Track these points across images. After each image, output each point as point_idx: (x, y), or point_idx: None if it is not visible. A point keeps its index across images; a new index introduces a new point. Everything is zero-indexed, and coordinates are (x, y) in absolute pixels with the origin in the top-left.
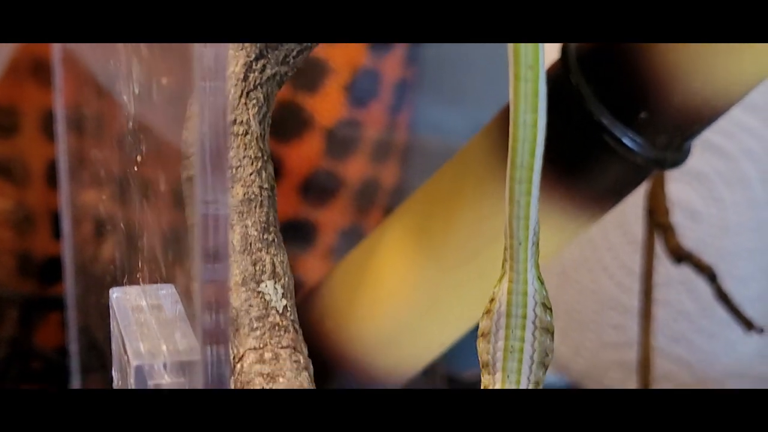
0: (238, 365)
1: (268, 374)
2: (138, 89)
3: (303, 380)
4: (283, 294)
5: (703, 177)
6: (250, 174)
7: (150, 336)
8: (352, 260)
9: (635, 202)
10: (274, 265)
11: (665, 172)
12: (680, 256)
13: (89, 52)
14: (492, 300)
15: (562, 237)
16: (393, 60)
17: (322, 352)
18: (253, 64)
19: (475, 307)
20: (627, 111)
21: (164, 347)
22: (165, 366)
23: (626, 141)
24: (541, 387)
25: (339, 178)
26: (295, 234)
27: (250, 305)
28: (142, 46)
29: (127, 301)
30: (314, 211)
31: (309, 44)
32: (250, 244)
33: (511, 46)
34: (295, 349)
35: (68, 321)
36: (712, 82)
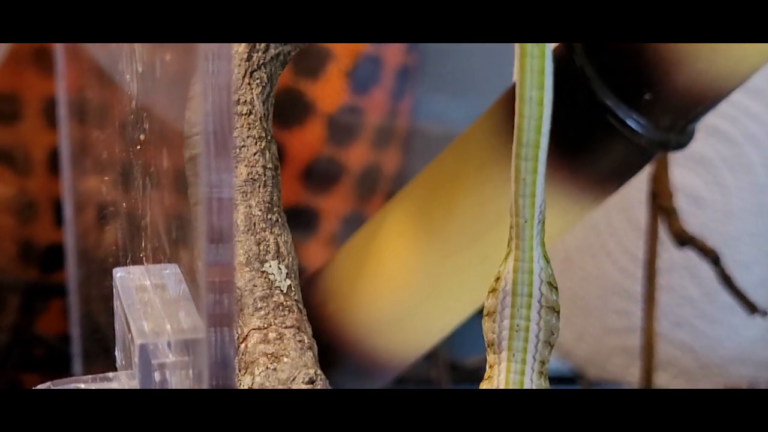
0: (242, 345)
1: (272, 354)
2: (141, 68)
3: (307, 360)
4: (287, 274)
5: (707, 162)
6: (254, 154)
7: (154, 315)
8: (354, 244)
9: (638, 187)
10: (278, 245)
11: (669, 156)
12: (684, 239)
13: None
14: (497, 278)
15: (566, 220)
16: (395, 46)
17: (324, 336)
18: (257, 43)
19: (477, 291)
20: (631, 92)
21: (168, 326)
22: (169, 345)
23: (630, 123)
24: (546, 366)
25: (341, 165)
26: (297, 221)
27: (254, 285)
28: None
29: (130, 281)
30: (316, 198)
31: None
32: (254, 224)
33: None
34: (299, 329)
35: (70, 306)
36: (716, 64)
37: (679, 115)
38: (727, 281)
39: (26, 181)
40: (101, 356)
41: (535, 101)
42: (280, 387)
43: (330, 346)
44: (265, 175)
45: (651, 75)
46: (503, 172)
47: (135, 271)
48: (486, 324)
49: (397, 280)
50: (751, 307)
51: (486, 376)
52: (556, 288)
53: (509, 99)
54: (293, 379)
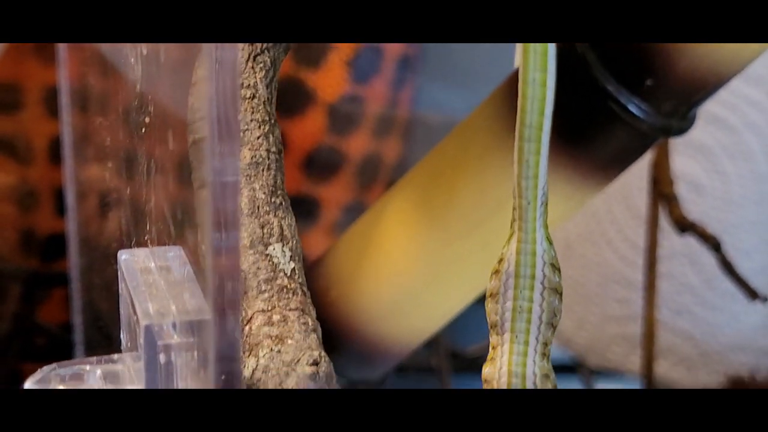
0: (247, 327)
1: (276, 336)
2: (146, 50)
3: (311, 342)
4: (291, 257)
5: (707, 150)
6: (258, 137)
7: (159, 297)
8: (356, 231)
9: (639, 175)
10: (281, 228)
11: (669, 143)
12: (684, 225)
13: None
14: (500, 260)
15: (567, 206)
16: None
17: (326, 322)
18: None
19: (478, 277)
20: (633, 78)
21: (173, 307)
22: (174, 326)
23: (632, 108)
24: (549, 348)
25: (342, 154)
26: (297, 210)
27: (258, 268)
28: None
29: (135, 263)
30: (317, 187)
31: None
32: (258, 207)
33: None
34: (303, 311)
35: (72, 294)
36: (717, 49)
37: (680, 101)
38: (727, 267)
39: (27, 170)
40: (103, 344)
41: (539, 83)
42: (285, 369)
43: (332, 333)
44: (268, 158)
45: (652, 61)
46: (504, 159)
47: (139, 253)
48: (489, 305)
49: (398, 266)
50: (752, 294)
51: (489, 357)
52: (559, 270)
53: (510, 86)
54: (297, 361)
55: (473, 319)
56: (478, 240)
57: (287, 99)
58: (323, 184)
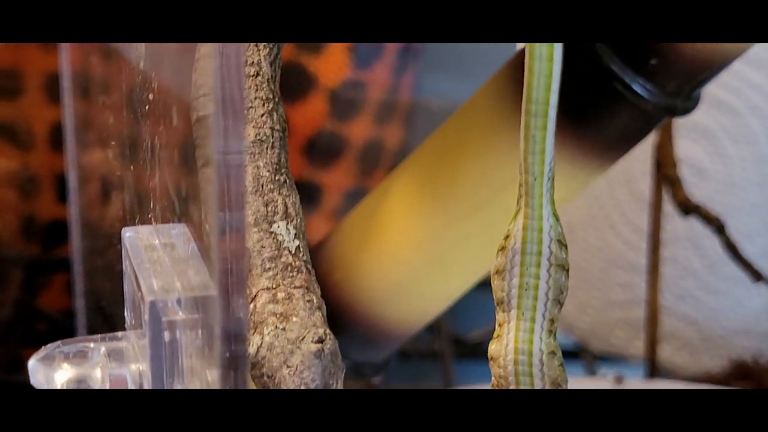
0: (251, 305)
1: (281, 314)
2: None
3: (316, 320)
4: (295, 235)
5: (710, 133)
6: (262, 115)
7: (163, 273)
8: (359, 212)
9: (642, 159)
10: (286, 206)
11: (673, 125)
12: (688, 208)
13: None
14: (507, 236)
15: (571, 186)
16: None
17: (330, 305)
18: None
19: (482, 258)
20: (637, 57)
21: (178, 284)
22: (179, 302)
23: (636, 88)
24: (555, 325)
25: (343, 139)
26: (299, 196)
27: (263, 246)
28: None
29: (139, 240)
30: (318, 173)
31: None
32: (262, 185)
33: None
34: (308, 289)
35: (74, 279)
36: None
37: (685, 81)
38: (731, 249)
39: (28, 157)
40: (105, 330)
41: (545, 57)
42: (289, 346)
43: (335, 315)
44: (272, 136)
45: None
46: (508, 139)
47: (143, 230)
48: (495, 282)
49: (401, 248)
50: (756, 275)
51: (495, 334)
52: (566, 246)
53: (514, 66)
54: (302, 339)
55: (476, 304)
56: (481, 221)
57: (288, 84)
58: (324, 169)
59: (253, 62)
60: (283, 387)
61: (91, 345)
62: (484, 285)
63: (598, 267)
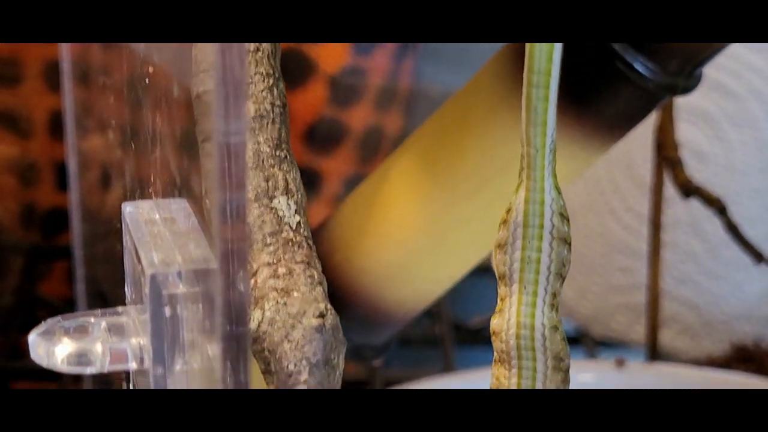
0: (252, 281)
1: (282, 289)
2: None
3: (317, 294)
4: (296, 210)
5: (710, 117)
6: (262, 91)
7: (164, 247)
8: (360, 194)
9: (643, 144)
10: (286, 181)
11: (674, 107)
12: (689, 189)
13: None
14: (509, 210)
15: (572, 166)
16: None
17: (331, 286)
18: None
19: (483, 239)
20: None
21: (179, 257)
22: (180, 275)
23: (638, 66)
24: (557, 299)
25: (343, 126)
26: None
27: (263, 221)
28: None
29: (139, 215)
30: (318, 159)
31: None
32: (263, 160)
33: None
34: (309, 264)
35: (75, 265)
36: None
37: (686, 59)
38: (733, 230)
39: (28, 144)
40: None
41: None
42: (291, 321)
43: (336, 296)
44: (273, 112)
45: None
46: (509, 119)
47: (144, 205)
48: (497, 256)
49: (402, 230)
50: (758, 256)
51: (497, 309)
52: (568, 219)
53: (514, 46)
54: (304, 313)
55: (476, 290)
56: (482, 202)
57: (288, 70)
58: (324, 156)
59: None
60: (284, 362)
61: (92, 320)
62: (485, 271)
63: (598, 252)
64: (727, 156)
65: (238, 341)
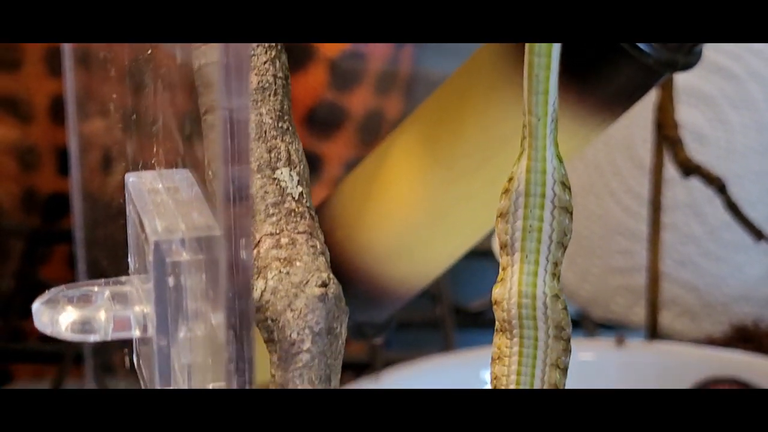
0: (255, 251)
1: (284, 259)
2: None
3: (320, 264)
4: (298, 181)
5: (710, 99)
6: (264, 63)
7: (167, 215)
8: (361, 171)
9: (643, 125)
10: (289, 152)
11: (674, 86)
12: (689, 168)
13: None
14: (510, 179)
15: (572, 143)
16: None
17: (332, 263)
18: None
19: (484, 216)
20: None
21: (182, 225)
22: (183, 242)
23: (638, 43)
24: (559, 268)
25: (343, 110)
26: None
27: (266, 192)
28: None
29: (143, 185)
30: (319, 143)
31: None
32: (265, 131)
33: None
34: (311, 234)
35: (76, 247)
36: None
37: None
38: (733, 209)
39: (29, 129)
40: None
41: None
42: (293, 290)
43: (337, 273)
44: (275, 83)
45: None
46: (510, 95)
47: (147, 176)
48: (499, 226)
49: (404, 206)
50: (758, 234)
51: (499, 278)
52: (569, 188)
53: None
54: (306, 283)
55: (477, 273)
56: (483, 178)
57: (288, 54)
58: (325, 140)
59: None
60: (287, 331)
61: (95, 289)
62: (485, 254)
63: (598, 234)
64: (727, 138)
65: (242, 309)
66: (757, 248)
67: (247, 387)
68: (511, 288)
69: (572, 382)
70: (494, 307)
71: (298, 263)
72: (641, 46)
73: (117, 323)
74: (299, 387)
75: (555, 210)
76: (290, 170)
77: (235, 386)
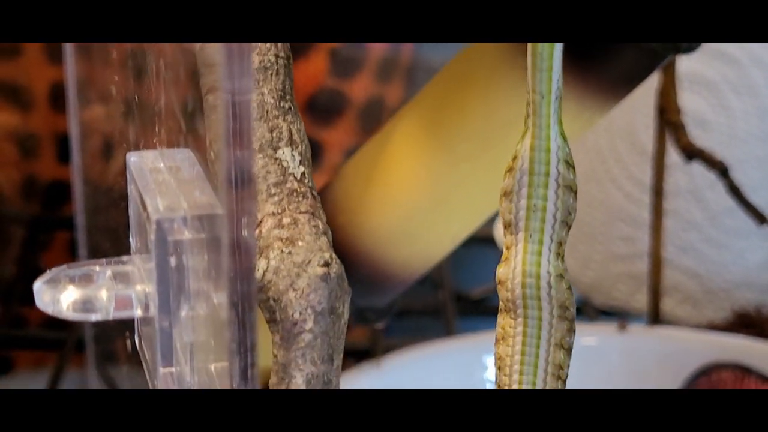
0: (257, 230)
1: (286, 238)
2: None
3: (322, 244)
4: (300, 161)
5: (712, 85)
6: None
7: (169, 194)
8: (363, 155)
9: (644, 112)
10: (291, 132)
11: (676, 71)
12: (691, 152)
13: None
14: (515, 158)
15: (575, 126)
16: None
17: (334, 247)
18: None
19: (486, 199)
20: None
21: (184, 203)
22: (185, 221)
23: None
24: (563, 247)
25: (344, 97)
26: None
27: (268, 171)
28: None
29: (144, 164)
30: (319, 130)
31: None
32: (267, 111)
33: None
34: (313, 214)
35: (77, 232)
36: None
37: None
38: (735, 192)
39: (29, 116)
40: None
41: None
42: (296, 269)
43: (339, 258)
44: (277, 63)
45: None
46: (513, 78)
47: (148, 155)
48: (503, 204)
49: (406, 190)
50: (760, 218)
51: (503, 258)
52: (573, 167)
53: None
54: (308, 262)
55: (478, 260)
56: (486, 161)
57: None
58: (326, 127)
59: None
60: (289, 310)
61: (97, 268)
62: (486, 241)
63: (599, 221)
64: (729, 124)
65: (245, 288)
66: (758, 234)
67: (250, 368)
68: (515, 267)
69: (574, 367)
70: (498, 286)
71: (300, 243)
72: None
73: (118, 302)
74: (301, 367)
75: (559, 189)
76: (292, 150)
77: (237, 366)
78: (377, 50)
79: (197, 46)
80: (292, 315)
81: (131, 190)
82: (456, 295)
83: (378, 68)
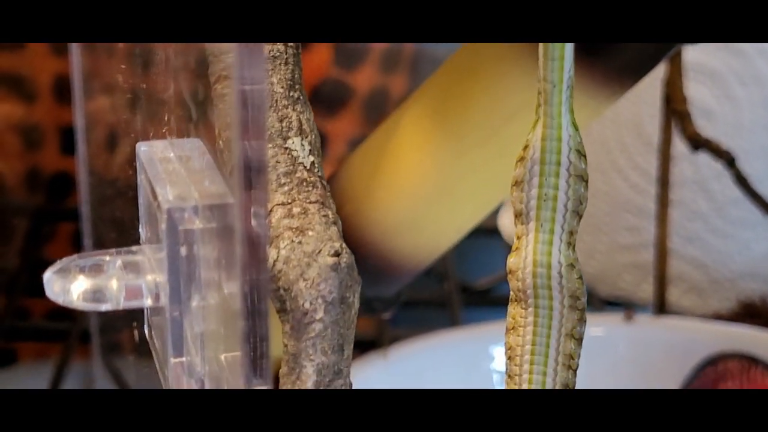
0: (267, 221)
1: (297, 228)
2: None
3: (332, 234)
4: (310, 151)
5: (718, 75)
6: None
7: (180, 183)
8: (370, 144)
9: (650, 102)
10: (300, 122)
11: (682, 60)
12: (698, 142)
13: None
14: (526, 147)
15: (581, 115)
16: None
17: None
18: None
19: (493, 189)
20: None
21: (195, 193)
22: (196, 210)
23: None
24: (574, 237)
25: (348, 88)
26: None
27: (278, 161)
28: None
29: (154, 154)
30: (323, 121)
31: None
32: (276, 101)
33: None
34: (323, 204)
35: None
36: None
37: None
38: (742, 182)
39: (32, 107)
40: None
41: None
42: (306, 259)
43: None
44: (286, 52)
45: None
46: (519, 66)
47: (158, 144)
48: (514, 194)
49: (412, 179)
50: (767, 208)
51: (514, 248)
52: (585, 156)
53: None
54: (319, 252)
55: (483, 251)
56: (492, 151)
57: None
58: (330, 118)
59: None
60: (300, 300)
61: (107, 258)
62: (492, 232)
63: (605, 211)
64: (735, 114)
65: (256, 278)
66: (764, 225)
67: (261, 358)
68: (526, 257)
69: (581, 357)
70: (509, 276)
71: (310, 232)
72: None
73: (129, 292)
74: (312, 357)
75: (570, 178)
76: (301, 139)
77: (248, 356)
78: None
79: None
80: (303, 305)
81: (141, 179)
82: (461, 286)
83: (382, 59)
